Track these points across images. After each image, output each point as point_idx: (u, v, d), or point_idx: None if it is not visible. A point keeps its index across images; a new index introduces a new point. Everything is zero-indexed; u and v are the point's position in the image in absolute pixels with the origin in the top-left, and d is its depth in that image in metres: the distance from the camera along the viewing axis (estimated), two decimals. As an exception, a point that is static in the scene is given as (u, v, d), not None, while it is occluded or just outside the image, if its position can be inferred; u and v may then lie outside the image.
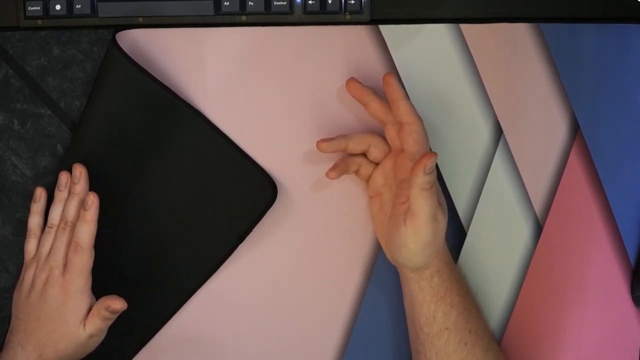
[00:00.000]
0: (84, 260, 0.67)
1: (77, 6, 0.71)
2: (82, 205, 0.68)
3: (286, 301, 0.73)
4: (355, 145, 0.69)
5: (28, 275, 0.68)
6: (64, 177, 0.69)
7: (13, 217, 0.73)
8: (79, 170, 0.69)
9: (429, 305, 0.67)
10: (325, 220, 0.73)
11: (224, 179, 0.71)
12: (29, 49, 0.72)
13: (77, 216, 0.68)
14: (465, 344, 0.67)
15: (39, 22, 0.71)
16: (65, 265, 0.67)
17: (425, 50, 0.73)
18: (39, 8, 0.71)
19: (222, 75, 0.73)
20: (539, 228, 0.74)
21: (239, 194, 0.71)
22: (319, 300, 0.73)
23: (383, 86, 0.68)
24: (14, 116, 0.72)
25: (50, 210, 0.69)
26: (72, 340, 0.67)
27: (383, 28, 0.73)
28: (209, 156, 0.71)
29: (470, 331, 0.67)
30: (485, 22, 0.74)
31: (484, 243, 0.74)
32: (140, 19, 0.72)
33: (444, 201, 0.67)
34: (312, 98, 0.73)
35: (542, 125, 0.74)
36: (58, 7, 0.71)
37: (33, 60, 0.72)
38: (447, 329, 0.67)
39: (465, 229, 0.74)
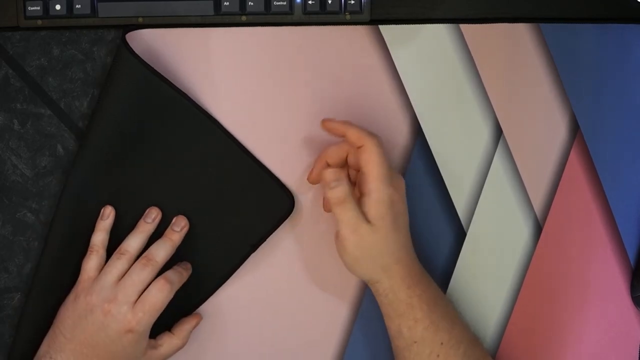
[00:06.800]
0: (165, 300, 0.66)
1: (77, 6, 0.71)
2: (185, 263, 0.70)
3: (289, 306, 0.73)
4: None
5: (84, 298, 0.66)
6: (154, 211, 0.70)
7: (13, 217, 0.73)
8: (185, 222, 0.70)
9: (393, 320, 0.67)
10: (330, 225, 0.73)
11: (239, 188, 0.71)
12: (29, 49, 0.72)
13: (165, 260, 0.68)
14: (438, 355, 0.66)
15: (39, 22, 0.71)
16: (136, 301, 0.65)
17: (425, 50, 0.73)
18: (39, 8, 0.71)
19: (222, 76, 0.73)
20: (538, 228, 0.74)
21: (254, 203, 0.71)
22: (319, 301, 0.73)
23: (327, 131, 0.69)
24: (14, 116, 0.72)
25: (129, 237, 0.68)
26: None
27: (383, 28, 0.73)
28: (224, 164, 0.71)
29: (442, 343, 0.66)
30: (485, 22, 0.74)
31: (484, 243, 0.74)
32: (140, 19, 0.72)
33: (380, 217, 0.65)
34: (312, 98, 0.73)
35: (542, 125, 0.74)
36: (58, 7, 0.71)
37: (33, 60, 0.72)
38: (415, 342, 0.66)
39: (465, 229, 0.74)
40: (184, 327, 0.69)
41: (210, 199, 0.71)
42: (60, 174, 0.73)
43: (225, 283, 0.72)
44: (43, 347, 0.67)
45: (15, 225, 0.73)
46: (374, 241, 0.65)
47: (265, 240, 0.71)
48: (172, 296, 0.67)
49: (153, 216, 0.70)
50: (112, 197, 0.70)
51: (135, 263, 0.67)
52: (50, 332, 0.67)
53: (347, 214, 0.65)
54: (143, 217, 0.70)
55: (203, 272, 0.71)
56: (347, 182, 0.65)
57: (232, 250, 0.72)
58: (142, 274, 0.66)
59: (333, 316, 0.73)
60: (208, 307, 0.73)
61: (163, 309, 0.66)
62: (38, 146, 0.73)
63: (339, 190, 0.65)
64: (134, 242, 0.68)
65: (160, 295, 0.66)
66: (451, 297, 0.74)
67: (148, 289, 0.66)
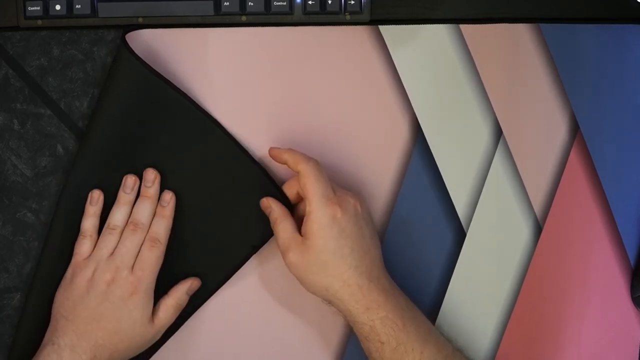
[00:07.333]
0: (158, 255, 0.68)
1: (77, 6, 0.71)
2: (160, 202, 0.70)
3: (290, 306, 0.73)
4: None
5: (83, 276, 0.67)
6: (130, 179, 0.70)
7: (13, 217, 0.73)
8: (154, 174, 0.70)
9: (362, 342, 0.67)
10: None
11: (239, 188, 0.71)
12: (29, 49, 0.72)
13: (150, 218, 0.69)
14: None
15: (39, 22, 0.71)
16: (134, 265, 0.67)
17: (425, 50, 0.73)
18: (39, 8, 0.71)
19: (221, 76, 0.73)
20: (538, 228, 0.74)
21: (255, 203, 0.70)
22: (320, 301, 0.73)
23: (273, 159, 0.70)
24: (14, 116, 0.72)
25: (114, 211, 0.69)
26: (136, 340, 0.67)
27: (383, 28, 0.73)
28: (224, 164, 0.71)
29: None
30: (485, 22, 0.74)
31: (484, 243, 0.74)
32: (140, 19, 0.72)
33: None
34: (311, 99, 0.73)
35: (542, 125, 0.74)
36: (58, 7, 0.71)
37: (33, 60, 0.72)
38: None
39: (465, 229, 0.74)
40: (178, 287, 0.70)
41: (210, 199, 0.71)
42: (60, 174, 0.73)
43: (227, 283, 0.72)
44: (46, 336, 0.67)
45: (15, 225, 0.73)
46: (309, 262, 0.66)
47: (267, 240, 0.71)
48: (164, 248, 0.68)
49: (131, 185, 0.70)
50: (112, 197, 0.70)
51: (124, 232, 0.68)
52: (52, 321, 0.68)
53: (279, 235, 0.67)
54: (121, 187, 0.70)
55: (204, 273, 0.71)
56: (277, 207, 0.68)
57: (234, 251, 0.72)
58: (134, 238, 0.68)
59: (335, 315, 0.73)
60: (209, 307, 0.73)
61: (160, 264, 0.68)
62: (38, 146, 0.73)
63: (270, 215, 0.69)
64: (119, 215, 0.69)
65: (153, 253, 0.68)
66: (451, 297, 0.74)
67: (140, 252, 0.68)
